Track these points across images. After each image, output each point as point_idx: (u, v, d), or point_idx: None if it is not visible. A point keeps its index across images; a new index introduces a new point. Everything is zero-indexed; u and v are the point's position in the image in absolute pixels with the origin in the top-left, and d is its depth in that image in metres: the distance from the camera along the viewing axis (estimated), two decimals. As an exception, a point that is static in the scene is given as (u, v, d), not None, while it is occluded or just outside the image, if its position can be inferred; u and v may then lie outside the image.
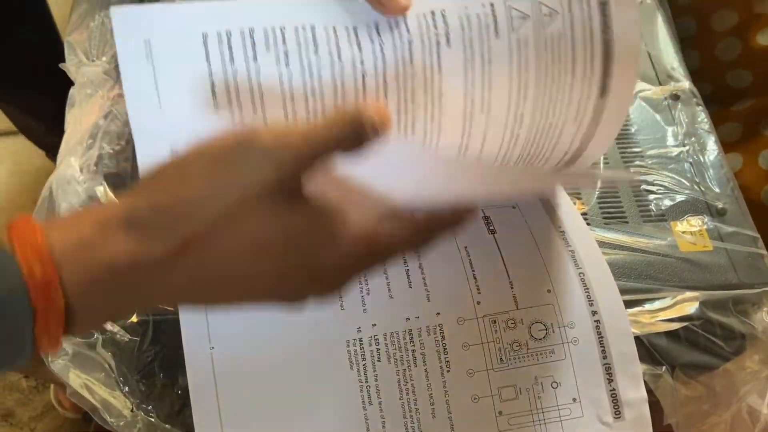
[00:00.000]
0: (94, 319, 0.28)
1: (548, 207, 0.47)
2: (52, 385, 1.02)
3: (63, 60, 1.03)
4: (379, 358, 0.41)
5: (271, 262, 0.28)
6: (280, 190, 0.27)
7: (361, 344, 0.41)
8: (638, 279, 0.45)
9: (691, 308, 0.43)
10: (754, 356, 0.45)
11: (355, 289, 0.42)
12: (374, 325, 0.41)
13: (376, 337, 0.41)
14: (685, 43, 0.67)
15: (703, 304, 0.44)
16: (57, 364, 0.41)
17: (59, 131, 1.07)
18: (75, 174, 0.47)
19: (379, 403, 0.40)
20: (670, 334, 0.43)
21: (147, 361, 0.40)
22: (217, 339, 0.40)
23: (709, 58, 0.68)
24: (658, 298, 0.44)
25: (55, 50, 0.97)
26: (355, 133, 0.28)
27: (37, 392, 1.05)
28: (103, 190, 0.46)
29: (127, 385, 0.40)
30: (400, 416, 0.40)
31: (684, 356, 0.43)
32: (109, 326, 0.40)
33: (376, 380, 0.40)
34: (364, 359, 0.41)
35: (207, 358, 0.39)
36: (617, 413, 0.41)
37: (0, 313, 0.24)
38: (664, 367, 0.42)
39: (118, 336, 0.40)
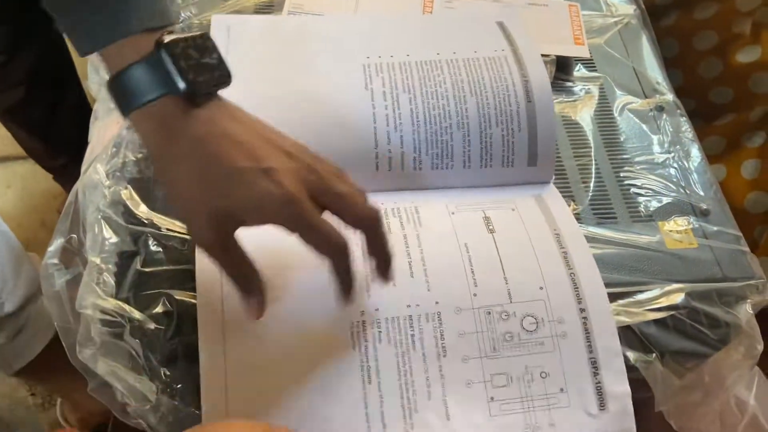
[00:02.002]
0: None
1: (545, 210, 0.50)
2: (58, 402, 1.04)
3: (72, 80, 1.06)
4: (380, 340, 0.43)
5: None
6: None
7: (364, 326, 0.43)
8: (628, 273, 0.48)
9: (678, 298, 0.46)
10: (740, 347, 0.48)
11: (360, 275, 0.44)
12: (377, 309, 0.44)
13: (378, 321, 0.44)
14: (669, 63, 0.71)
15: (689, 294, 0.47)
16: (85, 353, 0.44)
17: (64, 154, 1.10)
18: (101, 179, 0.50)
19: (378, 382, 0.42)
20: (658, 323, 0.46)
21: (171, 349, 0.43)
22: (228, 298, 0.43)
23: (691, 76, 0.72)
24: (647, 290, 0.47)
25: (65, 70, 1.01)
26: None
27: (43, 410, 1.06)
28: (128, 193, 0.49)
29: (153, 371, 0.42)
30: (398, 396, 0.42)
31: (673, 343, 0.46)
32: (136, 315, 0.43)
33: (376, 360, 0.43)
34: (366, 340, 0.43)
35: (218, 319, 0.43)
36: (602, 405, 0.43)
37: None
38: (654, 354, 0.45)
39: (145, 325, 0.43)
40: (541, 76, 0.53)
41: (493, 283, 0.45)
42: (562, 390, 0.43)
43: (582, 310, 0.45)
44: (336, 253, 0.39)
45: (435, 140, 0.51)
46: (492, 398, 0.43)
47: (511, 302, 0.45)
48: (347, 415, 0.41)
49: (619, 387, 0.43)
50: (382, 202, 0.50)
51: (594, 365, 0.44)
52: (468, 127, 0.51)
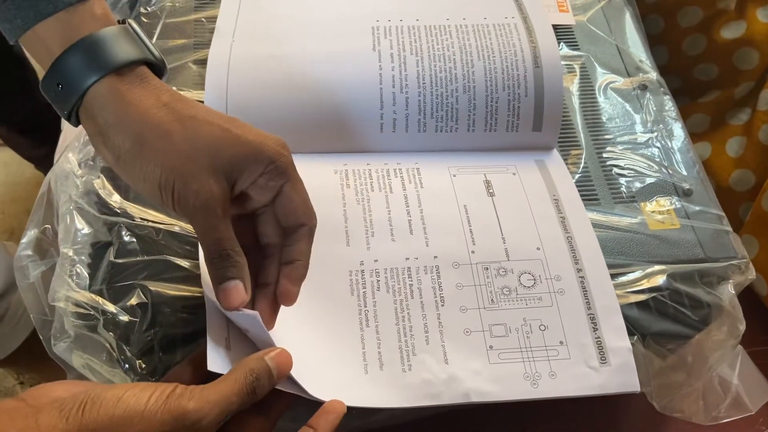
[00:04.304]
0: None
1: (546, 176, 0.51)
2: (46, 391, 1.03)
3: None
4: (378, 287, 0.44)
5: None
6: None
7: (363, 275, 0.45)
8: (610, 255, 0.47)
9: (659, 280, 0.46)
10: (722, 327, 0.48)
11: (361, 230, 0.47)
12: (376, 260, 0.45)
13: (376, 270, 0.45)
14: (653, 40, 0.70)
15: (671, 276, 0.46)
16: (59, 346, 0.43)
17: (42, 144, 1.07)
18: (74, 168, 0.49)
19: (376, 326, 0.43)
20: (640, 305, 0.45)
21: (146, 341, 0.42)
22: None
23: (676, 53, 0.71)
24: (629, 272, 0.46)
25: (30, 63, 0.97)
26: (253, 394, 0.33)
27: (31, 398, 1.05)
28: (101, 183, 0.48)
29: (128, 363, 0.42)
30: (395, 339, 0.43)
31: (654, 325, 0.45)
32: (109, 307, 0.42)
33: (374, 306, 0.44)
34: (364, 287, 0.44)
35: None
36: (603, 359, 0.43)
37: None
38: (635, 337, 0.45)
39: (118, 317, 0.42)
40: (550, 42, 0.53)
41: (491, 243, 0.47)
42: (561, 343, 0.43)
43: (579, 270, 0.46)
44: None
45: (440, 103, 0.51)
46: (491, 347, 0.43)
47: (508, 260, 0.46)
48: (344, 354, 0.42)
49: (620, 342, 0.44)
50: (385, 162, 0.51)
51: (593, 321, 0.44)
52: (474, 90, 0.51)
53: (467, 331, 0.43)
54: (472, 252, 0.46)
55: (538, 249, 0.47)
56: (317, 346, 0.42)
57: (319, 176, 0.49)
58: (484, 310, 0.44)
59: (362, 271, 0.45)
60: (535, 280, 0.45)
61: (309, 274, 0.39)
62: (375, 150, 0.52)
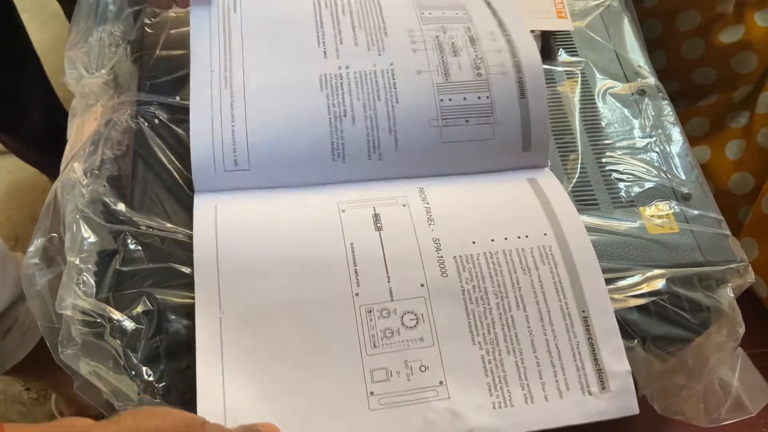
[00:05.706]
0: None
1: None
2: (53, 397, 1.04)
3: (43, 83, 1.03)
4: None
5: None
6: None
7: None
8: (610, 259, 0.48)
9: (659, 284, 0.46)
10: (722, 330, 0.48)
11: None
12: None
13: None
14: (652, 44, 0.70)
15: (671, 280, 0.47)
16: (67, 354, 0.44)
17: (47, 154, 1.08)
18: (79, 178, 0.49)
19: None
20: (640, 309, 0.46)
21: (153, 347, 0.43)
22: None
23: (675, 57, 0.72)
24: (629, 276, 0.47)
25: (32, 74, 0.97)
26: None
27: (38, 404, 1.06)
28: (106, 192, 0.48)
29: (134, 370, 0.42)
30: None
31: (654, 329, 0.46)
32: (116, 315, 0.43)
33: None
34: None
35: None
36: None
37: None
38: (636, 340, 0.45)
39: (124, 324, 0.43)
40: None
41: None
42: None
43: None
44: None
45: None
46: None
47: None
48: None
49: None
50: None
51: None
52: None
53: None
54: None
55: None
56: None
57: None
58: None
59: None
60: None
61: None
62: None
